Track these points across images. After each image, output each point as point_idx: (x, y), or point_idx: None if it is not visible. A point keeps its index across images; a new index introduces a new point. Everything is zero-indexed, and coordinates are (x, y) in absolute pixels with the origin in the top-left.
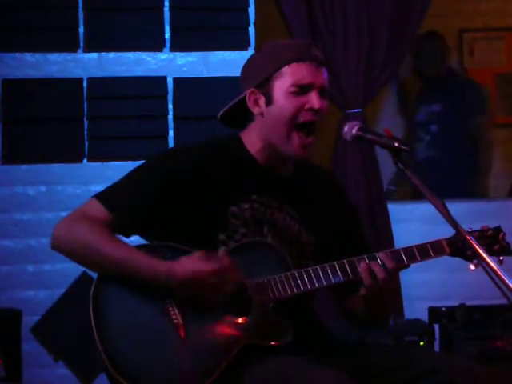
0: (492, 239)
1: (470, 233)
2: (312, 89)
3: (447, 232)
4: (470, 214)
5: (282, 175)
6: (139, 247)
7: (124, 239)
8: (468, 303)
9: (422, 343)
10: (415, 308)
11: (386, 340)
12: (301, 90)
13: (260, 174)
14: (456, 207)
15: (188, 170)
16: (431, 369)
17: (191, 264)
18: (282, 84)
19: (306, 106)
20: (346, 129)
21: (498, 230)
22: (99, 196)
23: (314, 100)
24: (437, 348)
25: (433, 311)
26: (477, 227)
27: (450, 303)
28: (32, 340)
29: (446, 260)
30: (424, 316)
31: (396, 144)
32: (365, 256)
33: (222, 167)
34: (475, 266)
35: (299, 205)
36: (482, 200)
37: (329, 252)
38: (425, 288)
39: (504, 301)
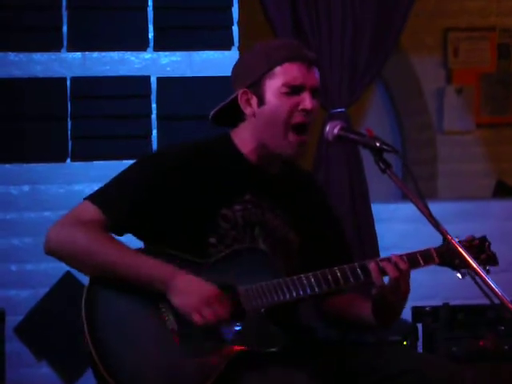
0: (478, 249)
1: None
2: (304, 89)
3: (431, 232)
4: (454, 214)
5: (272, 175)
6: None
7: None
8: (452, 303)
9: (405, 343)
10: None
11: (368, 339)
12: (292, 90)
13: (252, 174)
14: (440, 207)
15: (179, 170)
16: (407, 368)
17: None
18: (274, 84)
19: (299, 107)
20: (327, 129)
21: (483, 239)
22: (93, 198)
23: (306, 101)
24: (420, 348)
25: (416, 311)
26: (461, 228)
27: (433, 303)
28: (15, 340)
29: None
30: (407, 315)
31: (377, 144)
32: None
33: (213, 168)
34: (462, 275)
35: (286, 205)
36: (466, 200)
37: (313, 253)
38: None
39: (487, 301)
